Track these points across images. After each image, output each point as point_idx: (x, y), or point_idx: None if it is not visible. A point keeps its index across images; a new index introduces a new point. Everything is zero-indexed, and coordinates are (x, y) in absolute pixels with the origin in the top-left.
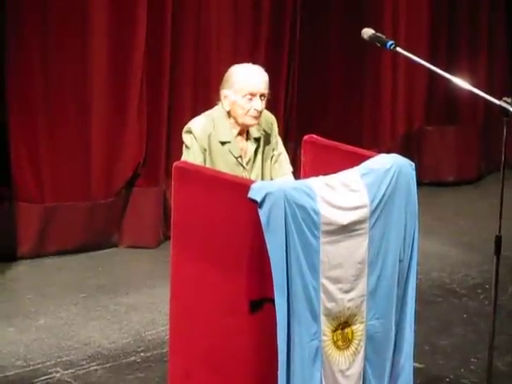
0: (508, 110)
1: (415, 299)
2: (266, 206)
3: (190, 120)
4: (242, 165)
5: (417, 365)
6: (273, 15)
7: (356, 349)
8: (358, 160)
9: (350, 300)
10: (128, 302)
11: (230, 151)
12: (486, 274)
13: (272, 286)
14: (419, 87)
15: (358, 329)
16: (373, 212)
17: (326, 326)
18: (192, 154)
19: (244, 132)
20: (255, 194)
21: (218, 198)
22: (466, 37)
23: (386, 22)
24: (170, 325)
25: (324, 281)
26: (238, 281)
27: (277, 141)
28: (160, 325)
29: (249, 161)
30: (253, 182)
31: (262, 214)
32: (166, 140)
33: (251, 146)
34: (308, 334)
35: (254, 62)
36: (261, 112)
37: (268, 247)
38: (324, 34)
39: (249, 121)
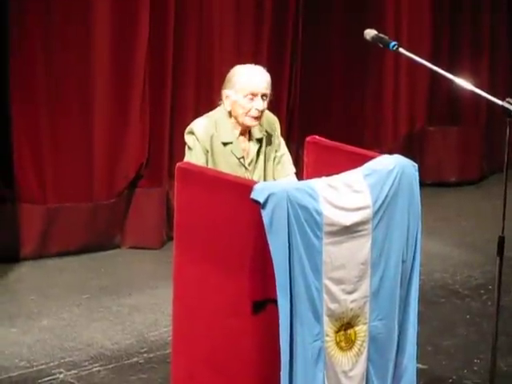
0: (511, 111)
1: (418, 300)
2: (268, 207)
3: (192, 120)
4: (244, 165)
5: (420, 365)
6: (275, 15)
7: (359, 350)
8: (360, 161)
9: (352, 301)
10: (131, 303)
11: (232, 152)
12: (489, 275)
13: (275, 286)
14: (421, 88)
15: (361, 330)
16: (375, 213)
17: (328, 327)
18: (194, 155)
19: (246, 133)
20: (258, 194)
21: (220, 199)
22: (469, 37)
23: (389, 23)
24: (173, 326)
25: (327, 282)
26: (241, 281)
27: (279, 142)
28: (163, 326)
29: (251, 161)
30: (255, 182)
31: (265, 214)
32: (169, 141)
33: (253, 147)
34: (311, 335)
35: (256, 63)
36: (262, 112)
37: (271, 248)
38: (326, 34)
39: (249, 121)
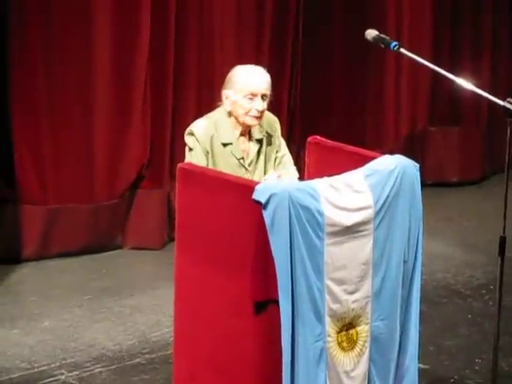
0: None
1: (420, 300)
2: (270, 208)
3: (193, 121)
4: (244, 166)
5: (422, 365)
6: (276, 17)
7: (361, 350)
8: (362, 161)
9: (354, 301)
10: (132, 304)
11: (232, 153)
12: (491, 275)
13: (276, 287)
14: (423, 88)
15: (363, 330)
16: (377, 213)
17: (330, 327)
18: (195, 157)
19: (246, 133)
20: (259, 195)
21: (222, 200)
22: (470, 38)
23: (390, 24)
24: (175, 326)
25: (328, 282)
26: (243, 282)
27: (280, 142)
28: (165, 326)
29: (251, 162)
30: (257, 183)
31: (267, 215)
32: (170, 142)
33: (253, 148)
34: (312, 335)
35: (257, 64)
36: (262, 112)
37: (272, 248)
38: (327, 35)
39: (249, 121)
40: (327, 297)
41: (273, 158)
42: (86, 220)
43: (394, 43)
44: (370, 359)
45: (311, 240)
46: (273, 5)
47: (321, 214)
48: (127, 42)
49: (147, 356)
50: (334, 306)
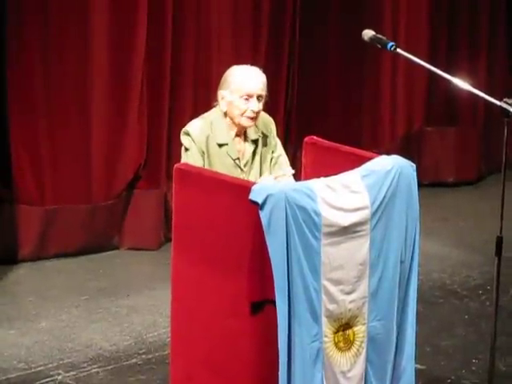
0: (509, 111)
1: (416, 300)
2: (266, 208)
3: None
4: (239, 167)
5: (418, 366)
6: (273, 17)
7: (357, 350)
8: (358, 161)
9: (351, 301)
10: (129, 304)
11: (228, 153)
12: (487, 275)
13: (273, 287)
14: (419, 88)
15: (360, 330)
16: (374, 213)
17: (327, 328)
18: (191, 157)
19: (241, 134)
20: (256, 195)
21: (218, 200)
22: (466, 38)
23: (386, 24)
24: (172, 327)
25: (325, 282)
26: (239, 282)
27: (276, 142)
28: (161, 327)
29: (246, 163)
30: (254, 183)
31: (263, 215)
32: (167, 142)
33: (249, 148)
34: (309, 336)
35: (254, 64)
36: (258, 113)
37: (269, 249)
38: (323, 35)
39: (245, 122)
40: (324, 297)
41: (268, 159)
42: (83, 220)
43: (391, 43)
44: (367, 360)
45: (308, 240)
46: (269, 5)
47: (317, 215)
48: (124, 41)
49: (144, 356)
50: (331, 307)
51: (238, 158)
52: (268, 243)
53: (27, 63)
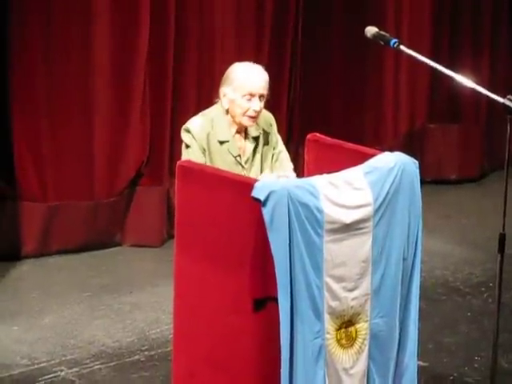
0: None
1: (419, 297)
2: (269, 205)
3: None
4: (240, 164)
5: (421, 363)
6: (276, 17)
7: (360, 347)
8: (361, 158)
9: (353, 298)
10: (132, 301)
11: (229, 150)
12: (490, 272)
13: (275, 284)
14: (422, 85)
15: (362, 327)
16: (376, 210)
17: (329, 325)
18: (193, 154)
19: (242, 131)
20: (259, 192)
21: (221, 197)
22: (469, 37)
23: (389, 24)
24: (174, 323)
25: (328, 279)
26: (242, 279)
27: (277, 139)
28: (164, 323)
29: (247, 160)
30: (256, 180)
31: (266, 212)
32: (170, 139)
33: (250, 145)
34: (311, 333)
35: (257, 63)
36: (259, 112)
37: (271, 246)
38: (326, 35)
39: (246, 121)
40: (326, 294)
41: (270, 156)
42: (86, 217)
43: (394, 40)
44: (370, 357)
45: (310, 237)
46: (273, 5)
47: (320, 212)
48: (126, 41)
49: (146, 353)
50: (333, 304)
51: (239, 155)
52: (270, 240)
53: (30, 63)
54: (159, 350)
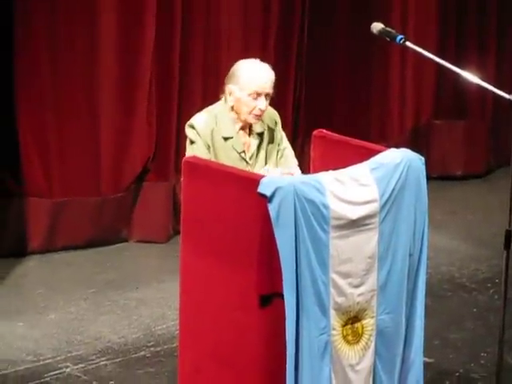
0: None
1: (425, 293)
2: (275, 201)
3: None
4: (245, 160)
5: (427, 359)
6: (282, 18)
7: (366, 343)
8: (367, 155)
9: (359, 295)
10: (138, 297)
11: (233, 147)
12: (496, 269)
13: (281, 280)
14: (427, 81)
15: (368, 323)
16: (383, 206)
17: (335, 321)
18: (198, 150)
19: (246, 127)
20: (265, 188)
21: (227, 193)
22: (475, 37)
23: (395, 23)
24: (180, 319)
25: (334, 275)
26: (248, 275)
27: (281, 136)
28: (170, 319)
29: (252, 156)
30: (262, 176)
31: (272, 208)
32: (176, 135)
33: (254, 141)
34: (317, 329)
35: (263, 61)
36: (264, 111)
37: (277, 242)
38: (331, 34)
39: (252, 119)
40: (332, 290)
41: (274, 152)
42: (92, 213)
43: (400, 36)
44: (376, 353)
45: (316, 233)
46: (279, 6)
47: (326, 208)
48: (132, 42)
49: (152, 349)
50: (339, 300)
51: (244, 151)
52: (276, 236)
53: (34, 51)
54: (165, 346)
